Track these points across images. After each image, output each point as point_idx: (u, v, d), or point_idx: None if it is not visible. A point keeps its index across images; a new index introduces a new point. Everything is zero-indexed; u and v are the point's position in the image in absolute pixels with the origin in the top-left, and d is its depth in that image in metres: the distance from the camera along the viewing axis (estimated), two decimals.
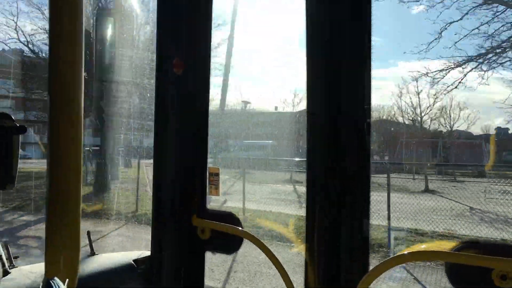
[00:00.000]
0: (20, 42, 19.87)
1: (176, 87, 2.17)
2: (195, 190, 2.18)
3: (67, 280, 1.26)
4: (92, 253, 2.29)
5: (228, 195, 14.92)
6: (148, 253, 2.25)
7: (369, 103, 1.66)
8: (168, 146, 2.21)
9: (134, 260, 2.19)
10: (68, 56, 1.33)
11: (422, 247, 1.59)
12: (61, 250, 1.31)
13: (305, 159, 1.79)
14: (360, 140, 1.67)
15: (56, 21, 1.36)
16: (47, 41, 2.03)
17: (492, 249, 1.37)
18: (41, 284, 1.22)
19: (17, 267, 1.93)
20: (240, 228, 1.98)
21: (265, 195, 15.83)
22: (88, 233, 2.32)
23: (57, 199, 1.31)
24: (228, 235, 2.01)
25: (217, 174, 2.23)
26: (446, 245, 1.45)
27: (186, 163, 2.20)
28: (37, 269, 1.90)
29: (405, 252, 1.61)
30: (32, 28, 19.44)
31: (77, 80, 1.33)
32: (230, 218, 2.05)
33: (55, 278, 1.22)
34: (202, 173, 2.19)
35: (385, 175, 10.98)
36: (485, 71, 14.32)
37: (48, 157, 1.30)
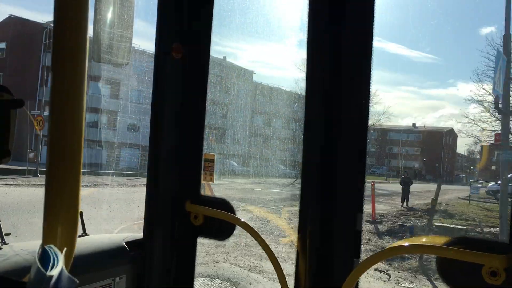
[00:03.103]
0: None
1: (175, 72, 2.16)
2: (190, 175, 2.18)
3: (65, 248, 1.24)
4: (84, 234, 2.29)
5: None
6: (140, 236, 2.26)
7: (368, 106, 1.68)
8: (165, 130, 2.20)
9: (126, 243, 2.19)
10: (73, 38, 1.30)
11: (414, 241, 1.60)
12: (60, 218, 1.29)
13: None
14: (358, 137, 1.67)
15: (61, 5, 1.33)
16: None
17: (482, 245, 1.38)
18: (37, 250, 1.20)
19: (8, 243, 1.93)
20: (233, 215, 1.98)
21: None
22: (81, 213, 2.31)
23: (58, 164, 1.29)
24: (221, 221, 2.01)
25: (213, 161, 2.23)
26: (438, 240, 1.46)
27: (182, 148, 2.19)
28: (29, 246, 1.90)
29: (396, 246, 1.62)
30: None
31: (81, 52, 1.30)
32: (224, 204, 2.06)
33: (52, 245, 1.21)
34: (198, 159, 2.19)
35: None
36: None
37: (49, 122, 1.28)
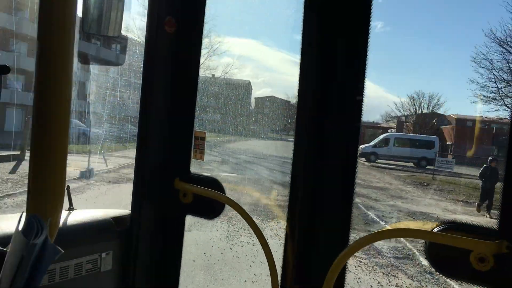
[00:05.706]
0: None
1: (167, 46, 2.10)
2: (180, 153, 2.15)
3: (49, 218, 1.22)
4: (71, 208, 2.26)
5: None
6: (128, 212, 2.24)
7: (361, 103, 1.66)
8: (155, 106, 2.15)
9: (113, 218, 2.17)
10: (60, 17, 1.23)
11: (402, 225, 1.61)
12: (45, 189, 1.26)
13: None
14: (350, 126, 1.66)
15: None
16: None
17: (472, 230, 1.38)
18: (19, 220, 1.18)
19: None
20: (223, 194, 1.97)
21: None
22: (68, 187, 2.28)
23: (44, 134, 1.25)
24: (210, 200, 2.00)
25: (203, 138, 2.19)
26: (427, 225, 1.46)
27: (172, 125, 2.16)
28: (10, 216, 1.88)
29: (385, 229, 1.63)
30: None
31: (67, 32, 1.24)
32: (213, 183, 2.04)
33: (36, 215, 1.18)
34: (188, 136, 2.16)
35: None
36: None
37: (34, 93, 1.23)
